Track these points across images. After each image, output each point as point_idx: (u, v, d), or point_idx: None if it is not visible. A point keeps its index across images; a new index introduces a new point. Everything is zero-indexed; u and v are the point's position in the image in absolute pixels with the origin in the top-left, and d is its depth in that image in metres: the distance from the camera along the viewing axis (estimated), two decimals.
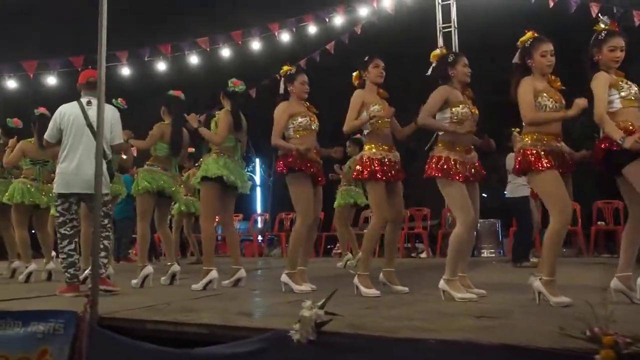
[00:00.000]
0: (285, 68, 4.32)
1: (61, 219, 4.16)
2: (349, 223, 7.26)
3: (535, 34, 3.41)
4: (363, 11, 12.02)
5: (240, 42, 11.01)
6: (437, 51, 3.89)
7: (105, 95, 3.09)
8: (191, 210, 7.69)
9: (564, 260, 6.58)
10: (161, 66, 10.82)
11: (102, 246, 4.01)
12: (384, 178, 3.83)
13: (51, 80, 10.71)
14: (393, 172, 3.91)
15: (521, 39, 3.43)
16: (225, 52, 11.03)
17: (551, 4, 10.44)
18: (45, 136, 4.30)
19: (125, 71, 10.73)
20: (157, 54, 10.68)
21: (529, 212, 6.75)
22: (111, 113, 4.33)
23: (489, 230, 10.10)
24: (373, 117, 3.86)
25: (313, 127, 4.23)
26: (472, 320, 2.64)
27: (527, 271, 4.44)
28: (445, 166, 3.51)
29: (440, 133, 3.66)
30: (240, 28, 11.15)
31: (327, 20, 11.87)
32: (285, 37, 11.39)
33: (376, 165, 3.83)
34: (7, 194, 5.43)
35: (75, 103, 4.26)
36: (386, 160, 3.89)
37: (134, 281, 4.65)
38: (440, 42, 11.52)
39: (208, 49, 10.84)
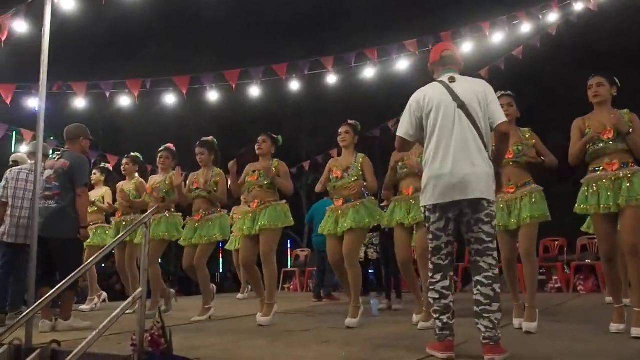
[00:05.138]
0: None
1: (435, 243, 3.02)
2: None
3: None
4: (578, 6, 10.61)
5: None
6: None
7: None
8: None
9: None
10: (368, 72, 10.11)
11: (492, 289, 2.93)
12: None
13: (254, 90, 10.38)
14: None
15: None
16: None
17: None
18: (401, 133, 3.18)
19: (332, 79, 10.14)
20: (364, 59, 9.99)
21: None
22: (483, 86, 3.17)
23: None
24: None
25: None
26: None
27: None
28: None
29: None
30: (449, 29, 10.19)
31: (540, 17, 10.62)
32: (497, 37, 10.23)
33: None
34: None
35: (434, 84, 3.19)
36: None
37: None
38: None
39: (417, 52, 9.98)
